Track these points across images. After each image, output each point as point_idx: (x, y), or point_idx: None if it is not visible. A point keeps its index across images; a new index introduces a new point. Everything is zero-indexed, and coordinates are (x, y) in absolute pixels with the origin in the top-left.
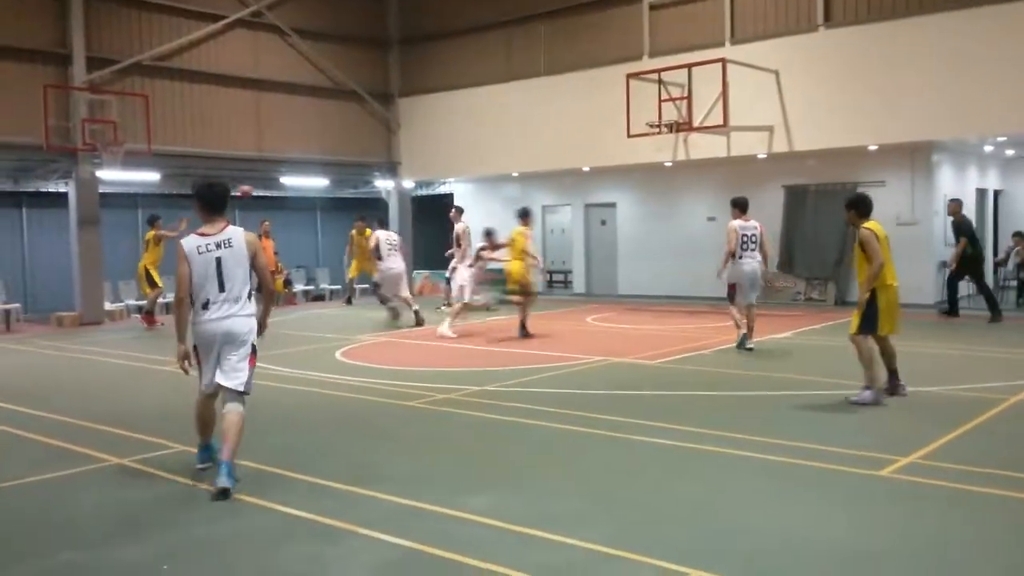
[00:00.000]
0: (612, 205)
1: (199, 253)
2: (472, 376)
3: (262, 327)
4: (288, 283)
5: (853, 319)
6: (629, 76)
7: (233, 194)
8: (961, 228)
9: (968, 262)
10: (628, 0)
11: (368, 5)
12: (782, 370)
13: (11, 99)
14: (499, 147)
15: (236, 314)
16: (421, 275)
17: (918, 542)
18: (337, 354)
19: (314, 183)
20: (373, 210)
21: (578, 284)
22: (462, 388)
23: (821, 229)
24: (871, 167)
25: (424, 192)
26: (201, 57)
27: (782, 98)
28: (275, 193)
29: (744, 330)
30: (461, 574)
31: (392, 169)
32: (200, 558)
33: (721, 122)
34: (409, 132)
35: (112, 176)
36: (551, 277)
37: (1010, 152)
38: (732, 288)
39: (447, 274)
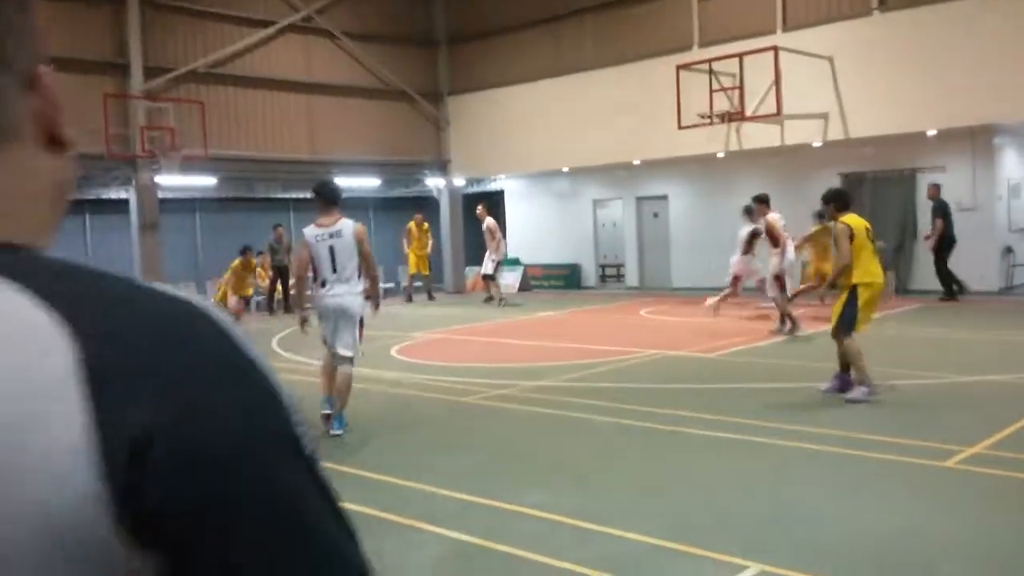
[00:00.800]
0: (664, 198)
1: (316, 241)
2: (527, 372)
3: (376, 305)
4: None
5: (832, 316)
6: (679, 67)
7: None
8: (940, 210)
9: (945, 243)
10: None
11: (416, 5)
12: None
13: (72, 109)
14: (548, 142)
15: (347, 292)
16: (473, 272)
17: (984, 533)
18: (392, 351)
19: (366, 183)
20: (425, 209)
21: (631, 278)
22: (517, 384)
23: (879, 217)
24: (930, 153)
25: (475, 189)
26: (254, 63)
27: (836, 85)
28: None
29: (790, 321)
30: (518, 568)
31: (442, 167)
32: None
33: (774, 111)
34: (458, 130)
35: (170, 181)
36: (603, 271)
37: None
38: (782, 278)
39: (484, 270)
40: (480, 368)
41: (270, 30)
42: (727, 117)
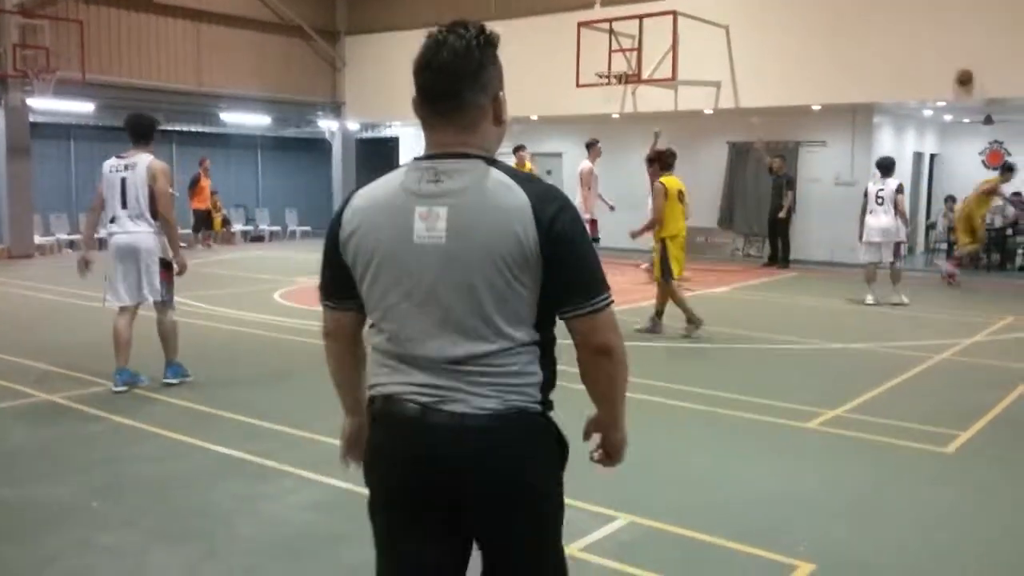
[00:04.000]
0: (558, 155)
1: (110, 172)
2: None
3: (175, 252)
4: (226, 222)
5: (655, 269)
6: (580, 24)
7: None
8: (790, 183)
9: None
10: None
11: None
12: (717, 323)
13: None
14: None
15: (138, 231)
16: None
17: (829, 485)
18: (276, 295)
19: (255, 121)
20: (315, 152)
21: None
22: None
23: (762, 187)
24: (814, 127)
25: (369, 134)
26: None
27: (731, 54)
28: (215, 130)
29: None
30: None
31: (336, 110)
32: (130, 496)
33: (670, 76)
34: (355, 72)
35: (43, 105)
36: None
37: (948, 117)
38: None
39: None
40: None
41: None
42: (624, 79)
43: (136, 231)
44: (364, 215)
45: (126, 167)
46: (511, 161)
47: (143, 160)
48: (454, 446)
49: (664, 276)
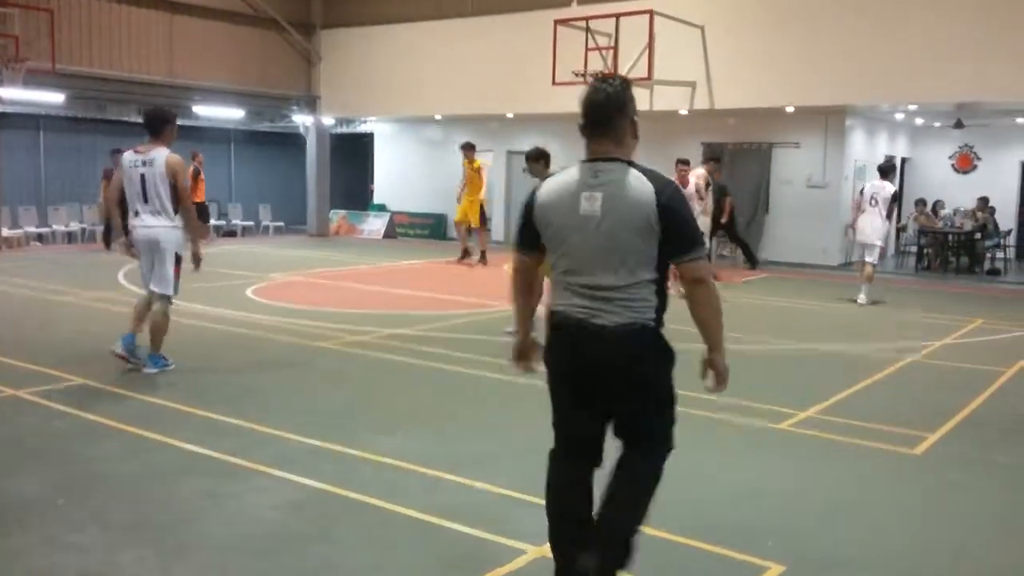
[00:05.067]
0: None
1: (129, 166)
2: (386, 319)
3: (194, 243)
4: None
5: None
6: (557, 22)
7: None
8: (722, 189)
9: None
10: None
11: None
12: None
13: None
14: (423, 87)
15: (157, 224)
16: (338, 215)
17: (799, 486)
18: (248, 292)
19: (228, 114)
20: (291, 147)
21: (497, 232)
22: (376, 331)
23: (735, 188)
24: (787, 129)
25: (344, 130)
26: None
27: (706, 55)
28: (187, 122)
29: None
30: (364, 514)
31: (311, 104)
32: (96, 492)
33: (646, 75)
34: (330, 66)
35: (12, 95)
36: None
37: (919, 121)
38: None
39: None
40: (338, 313)
41: None
42: (600, 77)
43: (156, 225)
44: (549, 196)
45: (144, 163)
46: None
47: (160, 155)
48: (597, 346)
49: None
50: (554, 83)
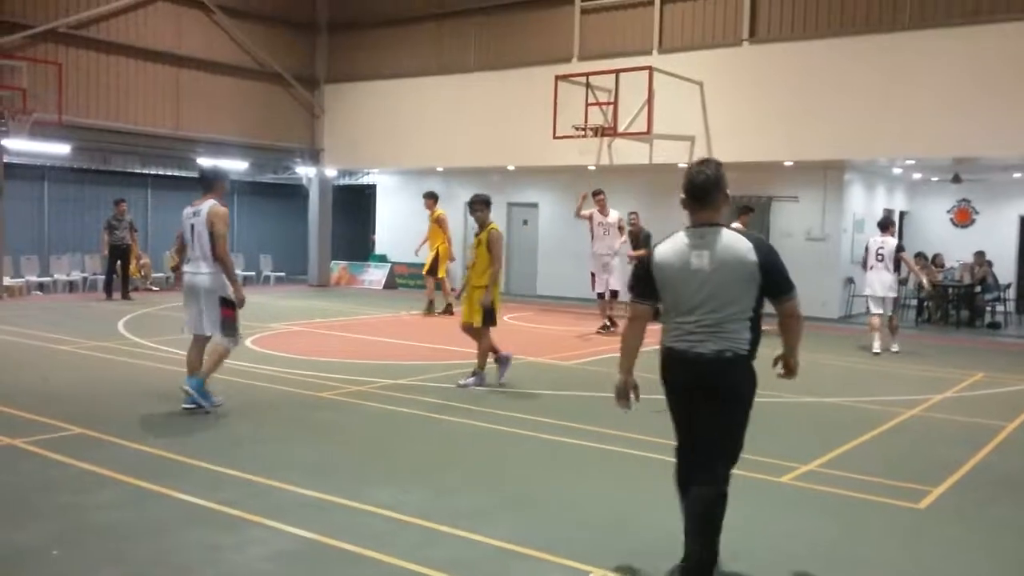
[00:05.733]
0: (535, 205)
1: (184, 219)
2: (385, 369)
3: (233, 287)
4: None
5: (476, 315)
6: (558, 77)
7: None
8: (647, 239)
9: None
10: (560, 2)
11: None
12: None
13: None
14: (424, 140)
15: (199, 272)
16: (338, 265)
17: (801, 541)
18: (248, 342)
19: (233, 166)
20: (293, 198)
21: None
22: (375, 381)
23: None
24: (786, 182)
25: (346, 181)
26: (120, 28)
27: (705, 109)
28: (192, 174)
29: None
30: (362, 567)
31: (314, 156)
32: (92, 543)
33: (645, 129)
34: (333, 119)
35: (18, 146)
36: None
37: (917, 176)
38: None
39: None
40: (338, 363)
41: None
42: (600, 131)
43: (199, 272)
44: (664, 256)
45: (194, 214)
46: (422, 201)
47: (206, 206)
48: (699, 367)
49: (487, 323)
50: (555, 136)
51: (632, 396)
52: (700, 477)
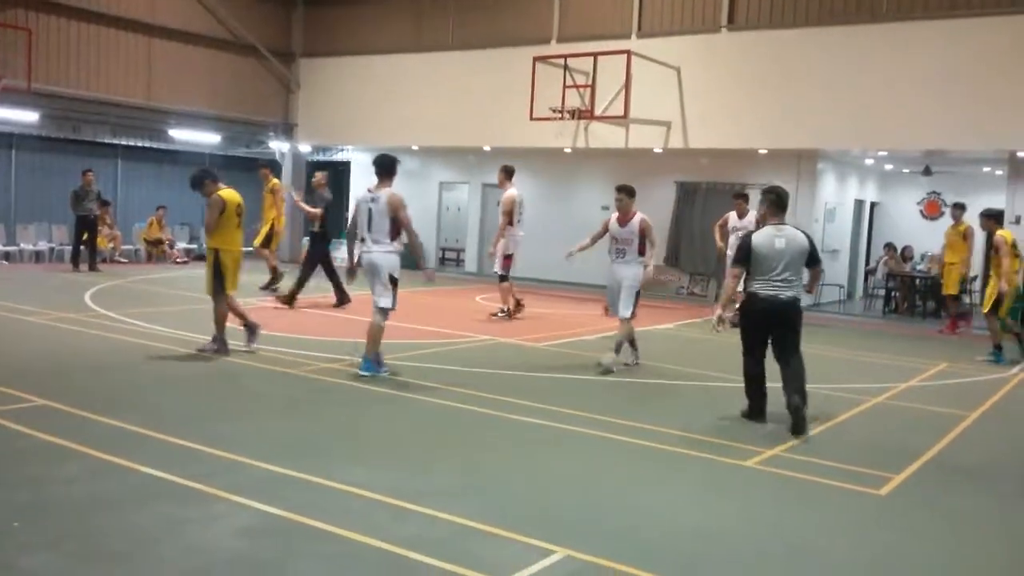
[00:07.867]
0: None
1: (360, 203)
2: (356, 347)
3: (421, 266)
4: (171, 243)
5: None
6: (536, 59)
7: None
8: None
9: None
10: None
11: None
12: (662, 360)
13: None
14: (401, 118)
15: (377, 251)
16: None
17: (764, 524)
18: None
19: (205, 139)
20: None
21: (470, 263)
22: (346, 359)
23: (707, 227)
24: (759, 170)
25: (320, 157)
26: None
27: (682, 95)
28: (163, 146)
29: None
30: (327, 543)
31: (288, 131)
32: (55, 516)
33: (622, 113)
34: (308, 94)
35: None
36: (443, 254)
37: (888, 167)
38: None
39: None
40: (310, 341)
41: None
42: (577, 114)
43: (378, 251)
44: (760, 238)
45: (372, 199)
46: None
47: (384, 194)
48: (780, 304)
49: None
50: (532, 118)
51: (721, 326)
52: (787, 359)
